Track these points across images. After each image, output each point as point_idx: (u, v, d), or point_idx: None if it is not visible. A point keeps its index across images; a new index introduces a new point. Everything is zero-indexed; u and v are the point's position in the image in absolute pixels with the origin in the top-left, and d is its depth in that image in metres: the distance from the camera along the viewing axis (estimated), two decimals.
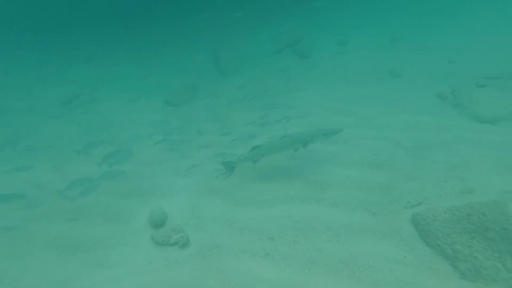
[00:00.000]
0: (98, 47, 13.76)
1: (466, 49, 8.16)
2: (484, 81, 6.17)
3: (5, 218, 4.74)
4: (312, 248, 3.35)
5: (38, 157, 6.55)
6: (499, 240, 2.64)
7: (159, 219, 4.08)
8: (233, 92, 8.86)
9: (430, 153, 4.95)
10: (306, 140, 4.47)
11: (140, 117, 8.20)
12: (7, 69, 12.76)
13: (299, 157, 5.26)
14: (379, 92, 7.32)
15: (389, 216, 3.73)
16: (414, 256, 3.07)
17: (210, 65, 11.03)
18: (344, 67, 9.08)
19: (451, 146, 4.99)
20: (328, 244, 3.38)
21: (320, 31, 12.48)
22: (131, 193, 4.97)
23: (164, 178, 5.28)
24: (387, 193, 4.18)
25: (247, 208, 4.12)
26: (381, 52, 9.56)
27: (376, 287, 2.79)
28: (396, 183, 4.38)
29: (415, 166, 4.66)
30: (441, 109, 6.04)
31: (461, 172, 4.33)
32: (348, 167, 4.86)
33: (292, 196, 4.22)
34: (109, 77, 11.50)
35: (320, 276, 3.00)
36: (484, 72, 6.60)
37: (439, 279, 2.75)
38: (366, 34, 11.38)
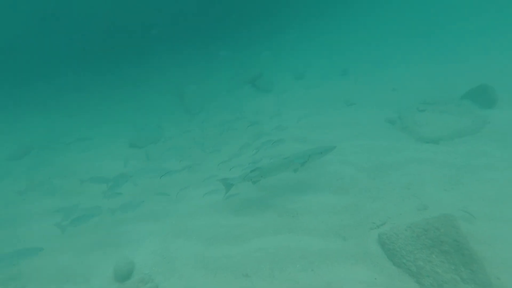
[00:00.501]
0: (57, 96, 13.18)
1: (407, 78, 9.27)
2: (423, 106, 7.00)
3: None
4: (288, 280, 3.35)
5: None
6: (453, 253, 2.89)
7: (125, 270, 3.81)
8: (198, 129, 8.95)
9: (387, 173, 5.35)
10: (304, 160, 4.66)
11: (102, 163, 7.83)
12: None
13: (269, 187, 5.36)
14: (337, 119, 7.90)
15: (358, 239, 3.90)
16: (384, 277, 3.21)
17: (175, 105, 11.13)
18: (302, 98, 9.72)
19: (403, 166, 5.46)
20: (303, 274, 3.41)
21: (278, 66, 13.38)
22: (91, 247, 4.62)
23: (130, 224, 5.00)
24: (354, 215, 4.39)
25: (221, 246, 4.04)
26: (336, 82, 10.48)
27: None
28: (361, 205, 4.63)
29: (376, 187, 4.99)
30: (392, 133, 6.65)
31: (415, 189, 4.73)
32: (316, 193, 5.06)
33: (265, 228, 4.25)
34: (67, 127, 10.97)
35: None
36: (423, 99, 7.50)
37: None
38: (321, 66, 12.43)
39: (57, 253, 4.44)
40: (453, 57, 10.38)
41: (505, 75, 8.00)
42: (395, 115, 7.26)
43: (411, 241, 3.37)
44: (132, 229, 4.84)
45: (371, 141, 6.52)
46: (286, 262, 3.58)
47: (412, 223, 3.66)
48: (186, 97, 10.95)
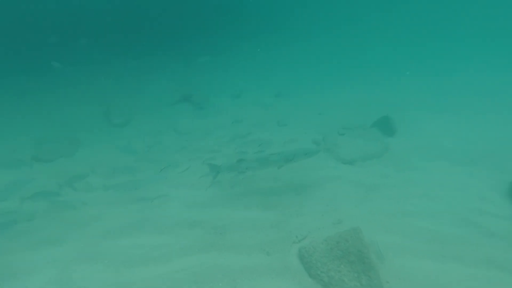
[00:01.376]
0: None
1: (332, 103, 10.44)
2: (343, 131, 7.95)
3: None
4: None
5: None
6: (357, 262, 3.28)
7: None
8: (123, 144, 8.35)
9: (311, 190, 5.82)
10: (289, 159, 4.78)
11: None
12: None
13: (198, 203, 5.27)
14: (270, 138, 8.35)
15: (281, 254, 4.08)
16: None
17: (98, 117, 10.19)
18: (237, 117, 10.02)
19: (325, 184, 6.02)
20: None
21: (215, 85, 13.58)
22: None
23: (21, 251, 4.23)
24: (279, 231, 4.61)
25: (138, 269, 3.75)
26: (270, 103, 11.14)
27: None
28: (286, 221, 4.90)
29: (301, 203, 5.37)
30: (314, 150, 7.34)
31: (333, 205, 5.24)
32: (245, 209, 5.18)
33: (190, 247, 4.12)
34: None
35: None
36: (343, 124, 8.53)
37: None
38: (256, 87, 13.07)
39: None
40: (370, 88, 12.07)
41: (404, 108, 9.63)
42: (320, 137, 8.04)
43: (325, 253, 3.68)
44: (23, 257, 4.11)
45: (299, 160, 7.07)
46: (208, 281, 3.52)
47: (328, 236, 4.02)
48: (111, 110, 10.17)
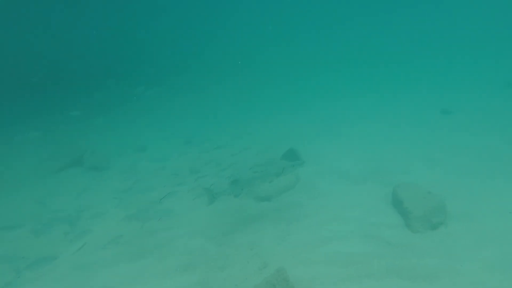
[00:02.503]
0: None
1: (242, 143, 10.77)
2: (256, 168, 8.21)
3: None
4: None
5: None
6: None
7: None
8: None
9: (233, 237, 5.60)
10: (279, 172, 5.38)
11: None
12: None
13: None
14: (184, 187, 7.93)
15: None
16: None
17: None
18: (144, 172, 9.33)
19: (246, 227, 5.92)
20: None
21: (114, 141, 12.52)
22: None
23: None
24: None
25: None
26: (181, 151, 10.78)
27: None
28: (210, 278, 4.50)
29: (224, 255, 5.06)
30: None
31: (257, 249, 5.13)
32: (161, 276, 4.57)
33: None
34: None
35: None
36: (255, 161, 8.85)
37: None
38: (164, 137, 12.56)
39: None
40: (277, 122, 13.01)
41: (308, 137, 10.69)
42: (236, 176, 8.07)
43: None
44: None
45: (214, 205, 6.84)
46: None
47: (255, 285, 3.84)
48: None
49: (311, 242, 5.11)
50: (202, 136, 12.07)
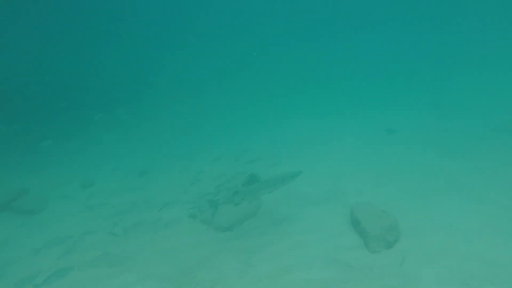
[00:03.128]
0: None
1: (200, 171, 10.46)
2: (217, 196, 7.96)
3: None
4: None
5: None
6: None
7: None
8: None
9: (193, 275, 5.22)
10: (278, 185, 5.57)
11: None
12: None
13: None
14: (143, 220, 7.34)
15: None
16: None
17: None
18: (93, 208, 8.49)
19: (208, 261, 5.58)
20: None
21: (53, 178, 11.32)
22: None
23: None
24: None
25: None
26: (132, 183, 10.08)
27: None
28: None
29: None
30: (195, 228, 6.90)
31: (219, 284, 4.83)
32: None
33: None
34: None
35: None
36: (216, 188, 8.60)
37: None
38: (116, 171, 11.70)
39: None
40: (235, 147, 12.95)
41: (269, 162, 10.73)
42: (196, 208, 7.70)
43: None
44: None
45: (175, 241, 6.42)
46: None
47: None
48: None
49: (274, 272, 4.96)
50: (159, 167, 11.46)
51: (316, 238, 5.79)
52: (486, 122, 10.73)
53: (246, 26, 36.04)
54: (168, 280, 5.14)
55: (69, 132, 16.47)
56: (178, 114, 19.87)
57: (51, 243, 6.92)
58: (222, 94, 23.12)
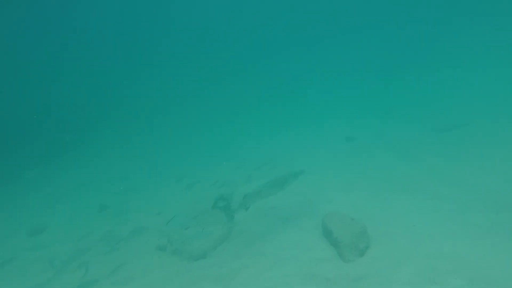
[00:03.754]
0: None
1: (168, 198, 10.00)
2: (187, 224, 7.61)
3: None
4: None
5: None
6: None
7: None
8: None
9: None
10: (284, 184, 6.05)
11: None
12: None
13: None
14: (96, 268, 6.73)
15: None
16: None
17: None
18: (46, 254, 7.61)
19: None
20: None
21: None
22: None
23: None
24: None
25: None
26: (92, 221, 9.29)
27: None
28: None
29: None
30: (163, 261, 6.48)
31: None
32: None
33: None
34: None
35: None
36: (186, 214, 8.24)
37: None
38: (72, 206, 10.71)
39: None
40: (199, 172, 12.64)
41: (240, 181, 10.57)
42: (165, 239, 7.28)
43: None
44: None
45: (139, 281, 5.97)
46: None
47: None
48: None
49: None
50: (120, 199, 10.69)
51: (291, 255, 5.76)
52: (431, 124, 11.81)
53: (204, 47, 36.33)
54: None
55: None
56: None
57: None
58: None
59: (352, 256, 5.19)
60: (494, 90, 13.37)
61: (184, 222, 7.72)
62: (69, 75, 26.81)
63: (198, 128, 19.31)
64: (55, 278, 6.69)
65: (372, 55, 27.46)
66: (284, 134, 14.66)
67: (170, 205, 9.32)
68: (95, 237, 8.22)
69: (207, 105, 22.99)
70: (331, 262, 5.28)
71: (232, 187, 9.70)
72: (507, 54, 17.47)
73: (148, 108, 24.17)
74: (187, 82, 28.48)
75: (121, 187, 11.91)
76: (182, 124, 20.57)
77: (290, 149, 12.32)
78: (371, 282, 4.44)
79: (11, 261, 7.71)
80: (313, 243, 5.98)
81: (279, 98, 22.87)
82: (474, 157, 8.14)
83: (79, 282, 6.29)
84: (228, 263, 5.99)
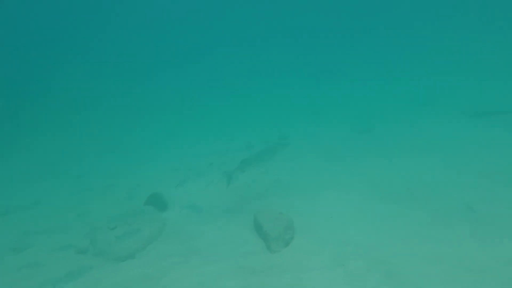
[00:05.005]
0: None
1: (89, 199, 9.14)
2: (113, 224, 7.11)
3: None
4: None
5: None
6: None
7: None
8: None
9: None
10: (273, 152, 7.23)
11: None
12: None
13: None
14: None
15: None
16: None
17: None
18: None
19: None
20: None
21: None
22: None
23: None
24: None
25: None
26: None
27: None
28: None
29: None
30: (81, 264, 5.98)
31: None
32: None
33: None
34: None
35: None
36: (112, 214, 7.69)
37: None
38: None
39: None
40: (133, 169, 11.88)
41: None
42: (86, 241, 6.69)
43: None
44: None
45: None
46: None
47: None
48: None
49: None
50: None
51: (223, 250, 5.95)
52: (351, 126, 13.36)
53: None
54: None
55: None
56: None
57: None
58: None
59: (278, 247, 5.63)
60: (400, 98, 15.85)
61: (110, 222, 7.19)
62: None
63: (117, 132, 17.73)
64: None
65: (303, 59, 29.17)
66: (213, 140, 14.65)
67: (91, 205, 8.56)
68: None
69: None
70: (259, 254, 5.63)
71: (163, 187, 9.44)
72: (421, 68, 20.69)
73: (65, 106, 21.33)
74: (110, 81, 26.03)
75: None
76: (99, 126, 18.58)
77: (222, 152, 12.44)
78: (293, 269, 4.92)
79: None
80: (245, 238, 6.27)
81: (212, 100, 22.64)
82: (378, 155, 9.61)
83: None
84: (158, 262, 5.86)
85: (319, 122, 14.97)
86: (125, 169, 11.70)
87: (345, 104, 17.69)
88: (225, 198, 8.14)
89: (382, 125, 12.38)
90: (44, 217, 8.32)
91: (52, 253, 6.47)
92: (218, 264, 5.52)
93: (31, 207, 9.08)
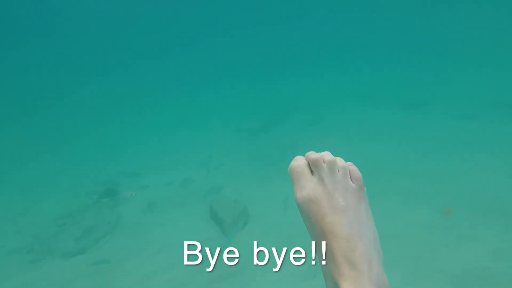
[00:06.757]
0: None
1: (33, 199, 8.55)
2: (61, 221, 6.82)
3: None
4: None
5: None
6: None
7: None
8: None
9: None
10: None
11: None
12: None
13: None
14: None
15: None
16: None
17: None
18: None
19: None
20: None
21: None
22: None
23: None
24: None
25: None
26: None
27: None
28: None
29: None
30: (29, 263, 5.70)
31: None
32: None
33: None
34: None
35: None
36: (60, 213, 7.34)
37: None
38: None
39: None
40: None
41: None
42: (33, 240, 6.35)
43: None
44: None
45: None
46: None
47: None
48: None
49: (135, 282, 4.89)
50: None
51: (178, 239, 6.04)
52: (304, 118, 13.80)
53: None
54: None
55: None
56: None
57: None
58: None
59: (233, 232, 5.88)
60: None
61: (58, 219, 6.88)
62: None
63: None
64: None
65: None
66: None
67: (39, 205, 8.06)
68: None
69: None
70: (215, 240, 5.83)
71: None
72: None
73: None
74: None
75: None
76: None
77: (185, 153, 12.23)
78: (244, 251, 5.19)
79: None
80: (200, 226, 6.42)
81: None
82: (329, 145, 10.23)
83: None
84: (110, 256, 5.79)
85: (277, 114, 15.17)
86: (77, 167, 11.07)
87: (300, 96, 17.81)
88: (181, 193, 8.13)
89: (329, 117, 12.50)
90: None
91: None
92: (172, 253, 5.61)
93: None
